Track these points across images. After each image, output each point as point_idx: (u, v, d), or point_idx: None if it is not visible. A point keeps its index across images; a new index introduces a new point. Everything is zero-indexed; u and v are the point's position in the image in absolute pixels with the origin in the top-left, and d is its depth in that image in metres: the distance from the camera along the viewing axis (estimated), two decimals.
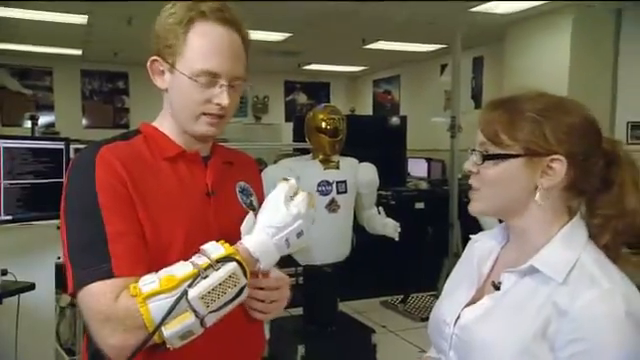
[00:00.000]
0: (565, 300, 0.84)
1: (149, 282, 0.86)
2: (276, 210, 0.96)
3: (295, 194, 1.00)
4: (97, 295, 0.88)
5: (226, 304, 0.88)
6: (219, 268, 0.87)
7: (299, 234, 0.96)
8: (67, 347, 2.94)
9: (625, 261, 0.91)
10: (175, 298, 0.84)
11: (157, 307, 0.84)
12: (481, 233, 1.12)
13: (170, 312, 0.84)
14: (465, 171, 0.97)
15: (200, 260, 0.89)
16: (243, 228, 0.96)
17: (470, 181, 0.97)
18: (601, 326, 0.81)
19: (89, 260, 0.90)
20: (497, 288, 0.94)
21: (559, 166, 0.89)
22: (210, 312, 0.87)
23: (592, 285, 0.83)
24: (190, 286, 0.85)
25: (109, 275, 0.88)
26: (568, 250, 0.89)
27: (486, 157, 0.93)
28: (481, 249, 1.06)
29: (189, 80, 0.99)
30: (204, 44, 0.99)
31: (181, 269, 0.88)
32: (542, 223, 0.93)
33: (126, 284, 0.88)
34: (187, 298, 0.84)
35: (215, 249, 0.91)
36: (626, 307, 0.81)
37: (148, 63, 1.04)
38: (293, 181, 1.01)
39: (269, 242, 0.94)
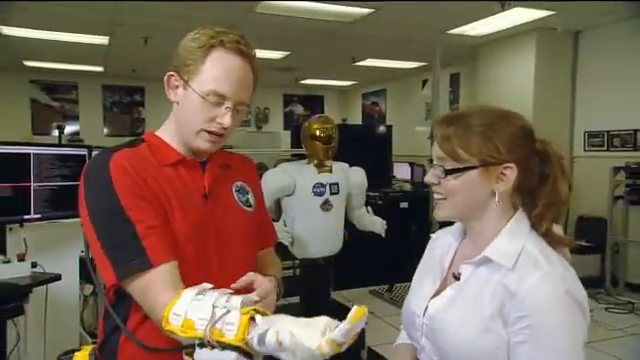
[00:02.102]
0: (514, 283, 0.86)
1: (177, 315, 0.77)
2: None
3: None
4: (143, 291, 0.90)
5: None
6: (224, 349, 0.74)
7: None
8: (90, 331, 2.92)
9: (558, 242, 0.94)
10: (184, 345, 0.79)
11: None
12: (440, 231, 1.12)
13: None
14: (427, 182, 0.97)
15: (218, 324, 0.75)
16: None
17: (433, 190, 0.97)
18: (544, 303, 0.84)
19: (127, 256, 0.90)
20: (457, 278, 0.96)
21: (510, 172, 0.91)
22: None
23: (536, 269, 0.86)
24: (199, 345, 0.76)
25: (149, 266, 0.89)
26: (514, 240, 0.91)
27: (448, 172, 0.93)
28: (441, 245, 1.07)
29: (199, 97, 0.98)
30: (218, 68, 0.98)
31: (203, 324, 0.75)
32: (494, 220, 0.95)
33: (164, 274, 0.89)
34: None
35: (233, 322, 0.74)
36: (565, 287, 0.84)
37: (165, 77, 1.03)
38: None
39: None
